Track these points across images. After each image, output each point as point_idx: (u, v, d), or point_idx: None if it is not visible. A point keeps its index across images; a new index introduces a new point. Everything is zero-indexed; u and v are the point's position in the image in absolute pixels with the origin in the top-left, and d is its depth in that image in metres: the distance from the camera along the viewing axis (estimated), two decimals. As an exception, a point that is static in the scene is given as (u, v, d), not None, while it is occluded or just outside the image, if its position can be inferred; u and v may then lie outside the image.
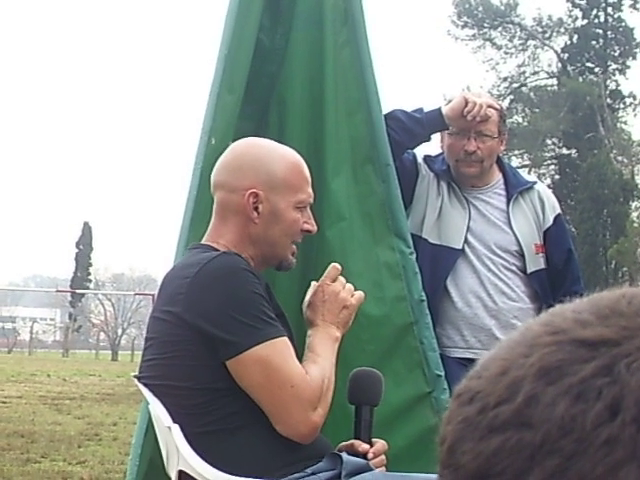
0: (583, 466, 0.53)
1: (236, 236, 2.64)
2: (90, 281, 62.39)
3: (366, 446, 2.64)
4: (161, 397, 2.56)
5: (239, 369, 2.46)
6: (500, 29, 39.40)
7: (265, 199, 2.62)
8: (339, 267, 2.74)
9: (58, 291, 50.15)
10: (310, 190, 2.70)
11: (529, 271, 3.65)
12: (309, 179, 2.70)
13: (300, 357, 2.71)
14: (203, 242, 2.70)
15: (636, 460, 0.53)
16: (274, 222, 2.63)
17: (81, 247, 62.86)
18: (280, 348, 2.48)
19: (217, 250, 2.61)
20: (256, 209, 2.62)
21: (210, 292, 2.47)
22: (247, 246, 2.64)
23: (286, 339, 2.51)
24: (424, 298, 3.31)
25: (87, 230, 63.52)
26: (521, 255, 3.66)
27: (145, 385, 2.61)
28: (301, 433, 2.50)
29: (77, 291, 52.79)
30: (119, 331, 55.77)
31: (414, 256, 3.35)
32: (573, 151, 37.87)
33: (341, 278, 2.74)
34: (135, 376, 2.66)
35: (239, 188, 2.63)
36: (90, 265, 62.84)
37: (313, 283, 2.75)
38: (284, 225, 2.64)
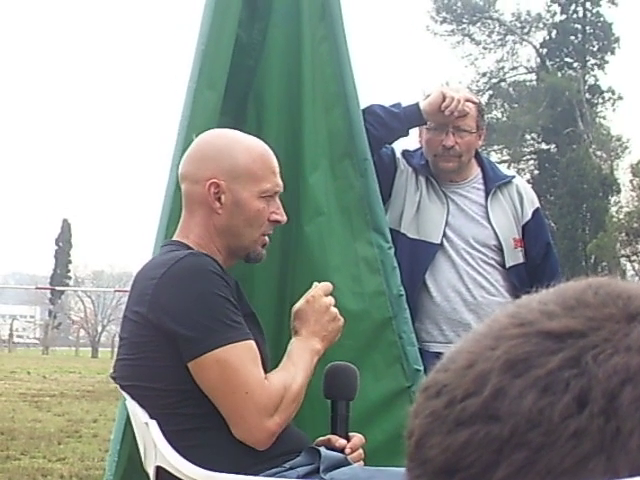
0: (551, 459, 0.53)
1: (202, 229, 2.62)
2: (70, 278, 62.19)
3: (343, 441, 2.63)
4: (134, 396, 2.56)
5: (198, 371, 2.44)
6: (479, 24, 39.45)
7: (227, 189, 2.59)
8: (331, 285, 2.72)
9: (38, 288, 50.01)
10: (277, 180, 2.66)
11: (508, 265, 3.65)
12: (275, 169, 2.66)
13: (274, 354, 2.70)
14: (175, 239, 2.68)
15: (604, 452, 0.53)
16: (238, 212, 2.60)
17: (60, 244, 62.60)
18: (240, 352, 2.45)
19: (188, 247, 2.60)
20: (219, 199, 2.60)
21: (175, 293, 2.45)
22: (214, 238, 2.62)
23: (249, 343, 2.47)
24: (402, 293, 3.31)
25: (66, 227, 63.26)
26: (500, 249, 3.66)
27: (119, 385, 2.61)
28: (255, 438, 2.47)
29: (57, 288, 52.65)
30: (99, 328, 55.61)
31: (392, 251, 3.35)
32: (552, 146, 37.95)
33: (331, 298, 2.71)
34: (111, 376, 2.66)
35: (201, 178, 2.61)
36: (70, 262, 62.64)
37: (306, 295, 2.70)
38: (248, 215, 2.61)
